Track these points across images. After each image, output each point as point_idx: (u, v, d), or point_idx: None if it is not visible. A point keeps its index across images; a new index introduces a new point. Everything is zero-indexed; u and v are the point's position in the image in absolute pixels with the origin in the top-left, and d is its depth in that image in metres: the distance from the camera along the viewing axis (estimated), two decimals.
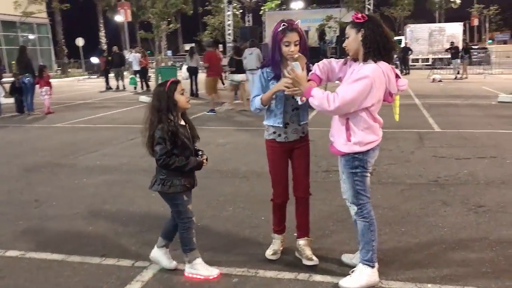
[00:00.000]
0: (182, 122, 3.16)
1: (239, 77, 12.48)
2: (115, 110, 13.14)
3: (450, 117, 10.20)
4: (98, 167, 6.52)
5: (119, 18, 31.04)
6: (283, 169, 3.35)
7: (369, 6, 24.08)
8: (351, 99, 2.74)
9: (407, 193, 5.01)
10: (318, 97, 2.80)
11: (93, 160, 6.96)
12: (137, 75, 19.95)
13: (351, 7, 14.58)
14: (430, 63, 31.53)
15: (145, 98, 14.91)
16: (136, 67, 19.87)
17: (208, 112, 11.79)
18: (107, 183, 5.70)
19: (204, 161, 3.18)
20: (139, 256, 3.60)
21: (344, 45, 2.94)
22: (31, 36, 36.74)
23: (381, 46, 2.79)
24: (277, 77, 3.15)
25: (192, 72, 16.44)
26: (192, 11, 45.93)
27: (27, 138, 9.13)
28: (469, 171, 5.74)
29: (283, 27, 3.06)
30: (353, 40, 2.85)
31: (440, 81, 20.30)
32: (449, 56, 23.99)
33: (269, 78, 3.21)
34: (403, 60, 26.60)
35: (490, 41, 55.71)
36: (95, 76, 31.48)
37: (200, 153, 3.24)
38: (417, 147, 7.20)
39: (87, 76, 33.19)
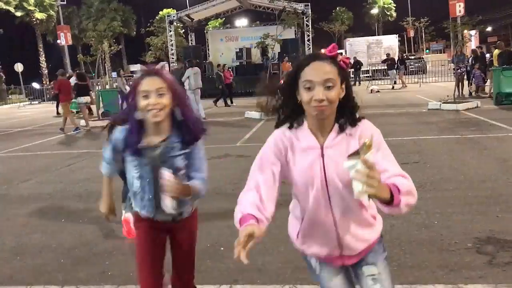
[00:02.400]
0: None
1: (84, 99, 14.04)
2: (53, 136, 12.90)
3: (382, 126, 10.46)
4: (32, 195, 6.44)
5: (60, 41, 30.48)
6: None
7: (307, 23, 24.87)
8: None
9: None
10: (410, 192, 1.69)
11: (27, 189, 6.86)
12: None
13: (287, 24, 15.01)
14: (370, 74, 32.89)
15: (84, 123, 14.77)
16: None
17: (73, 131, 13.29)
18: (39, 212, 5.65)
19: None
20: (66, 281, 3.62)
21: (324, 98, 1.74)
22: None
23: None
24: (136, 152, 2.25)
25: None
26: (135, 32, 45.88)
27: None
28: None
29: (140, 73, 2.25)
30: (338, 91, 1.79)
31: (378, 91, 21.21)
32: (386, 67, 25.12)
33: (123, 151, 2.30)
34: (355, 73, 27.70)
35: (428, 50, 58.58)
36: (37, 102, 30.66)
37: None
38: None
39: (28, 102, 32.25)
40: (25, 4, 35.09)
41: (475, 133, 9.01)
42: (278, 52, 25.09)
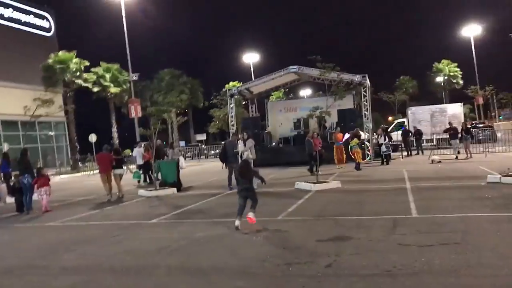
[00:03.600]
0: None
1: (118, 171, 15.72)
2: (110, 206, 13.50)
3: (433, 201, 10.28)
4: (71, 268, 6.71)
5: (130, 114, 32.61)
6: None
7: (364, 93, 24.97)
8: None
9: (356, 285, 5.07)
10: None
11: (68, 260, 7.17)
12: (141, 169, 20.57)
13: (338, 96, 15.19)
14: (434, 143, 31.99)
15: (144, 192, 15.38)
16: (140, 161, 20.57)
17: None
18: (74, 285, 5.85)
19: None
20: None
21: None
22: (49, 133, 38.85)
23: None
24: None
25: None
26: (202, 104, 48.25)
27: (12, 239, 9.45)
28: (427, 259, 5.78)
29: None
30: None
31: (440, 162, 20.45)
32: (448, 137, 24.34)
33: None
34: (404, 142, 27.13)
35: (501, 117, 56.32)
36: None
37: None
38: (386, 235, 7.26)
39: (98, 171, 34.11)
40: (101, 81, 38.18)
41: None
42: (336, 122, 25.27)
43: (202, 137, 57.32)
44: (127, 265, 6.57)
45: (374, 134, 25.74)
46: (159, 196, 14.82)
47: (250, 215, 8.22)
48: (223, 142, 16.16)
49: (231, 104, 27.53)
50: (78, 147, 37.20)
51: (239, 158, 14.35)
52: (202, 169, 27.15)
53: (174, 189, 15.37)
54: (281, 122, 29.47)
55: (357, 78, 24.47)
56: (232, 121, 27.25)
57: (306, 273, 5.61)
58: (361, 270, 5.56)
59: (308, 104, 26.32)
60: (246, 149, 14.17)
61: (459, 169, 16.94)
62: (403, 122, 34.17)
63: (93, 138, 35.82)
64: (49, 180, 13.45)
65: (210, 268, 6.09)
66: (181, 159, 18.62)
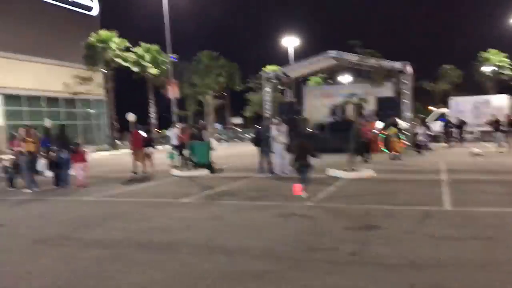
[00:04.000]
0: None
1: (150, 149, 16.64)
2: (143, 183, 13.83)
3: (468, 194, 10.02)
4: (101, 241, 6.94)
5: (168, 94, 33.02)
6: None
7: (405, 81, 24.42)
8: None
9: (379, 273, 5.03)
10: None
11: (99, 234, 7.41)
12: (176, 150, 20.87)
13: (376, 82, 14.91)
14: (477, 135, 31.04)
15: (177, 172, 15.66)
16: (174, 142, 20.85)
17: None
18: (101, 257, 6.06)
19: None
20: None
21: None
22: (88, 111, 40.01)
23: None
24: None
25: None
26: (239, 88, 48.37)
27: (50, 211, 9.82)
28: (455, 253, 5.66)
29: None
30: None
31: (480, 154, 19.80)
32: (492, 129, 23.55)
33: None
34: (445, 133, 26.50)
35: None
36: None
37: None
38: (416, 227, 7.13)
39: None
40: (141, 61, 38.82)
41: None
42: (373, 110, 24.86)
43: (238, 120, 57.56)
44: (154, 241, 6.74)
45: (413, 123, 25.12)
46: (191, 176, 15.05)
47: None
48: (256, 126, 16.20)
49: (267, 88, 27.47)
50: (117, 126, 38.09)
51: (272, 143, 14.38)
52: (237, 152, 27.33)
53: (207, 171, 15.56)
54: (317, 108, 29.23)
55: (397, 65, 23.92)
56: (267, 106, 27.21)
57: (330, 259, 5.61)
58: (386, 260, 5.50)
59: (345, 90, 26.02)
60: (279, 134, 14.15)
61: (499, 163, 16.39)
62: (444, 113, 33.15)
63: (131, 117, 36.50)
64: (86, 156, 13.86)
65: (235, 248, 6.17)
66: (213, 141, 18.82)
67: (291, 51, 45.80)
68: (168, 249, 6.33)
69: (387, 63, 23.72)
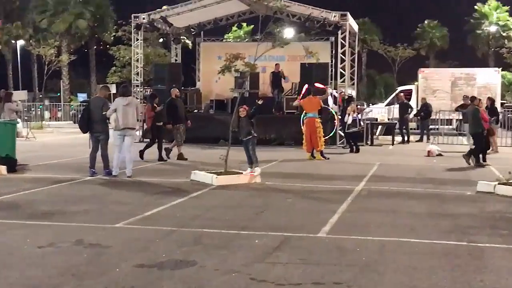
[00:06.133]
0: None
1: None
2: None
3: (369, 214, 10.34)
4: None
5: None
6: None
7: (343, 41, 24.93)
8: None
9: None
10: None
11: None
12: None
13: (277, 40, 15.02)
14: (454, 126, 31.62)
15: None
16: None
17: None
18: None
19: None
20: None
21: None
22: None
23: None
24: None
25: None
26: (112, 37, 47.55)
27: None
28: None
29: None
30: None
31: (440, 155, 20.39)
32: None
33: None
34: (400, 122, 27.08)
35: None
36: None
37: None
38: (250, 262, 7.09)
39: None
40: None
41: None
42: (298, 82, 25.06)
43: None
44: None
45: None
46: None
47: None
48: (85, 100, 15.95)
49: (137, 40, 27.04)
50: None
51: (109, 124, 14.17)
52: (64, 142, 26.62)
53: (3, 167, 15.00)
54: (218, 76, 29.06)
55: (333, 16, 24.25)
56: (137, 68, 26.95)
57: None
58: None
59: (259, 50, 26.11)
60: (110, 112, 13.83)
61: (459, 169, 16.97)
62: (410, 90, 33.92)
63: None
64: None
65: None
66: (20, 123, 18.27)
67: None
68: None
69: (320, 13, 24.18)
